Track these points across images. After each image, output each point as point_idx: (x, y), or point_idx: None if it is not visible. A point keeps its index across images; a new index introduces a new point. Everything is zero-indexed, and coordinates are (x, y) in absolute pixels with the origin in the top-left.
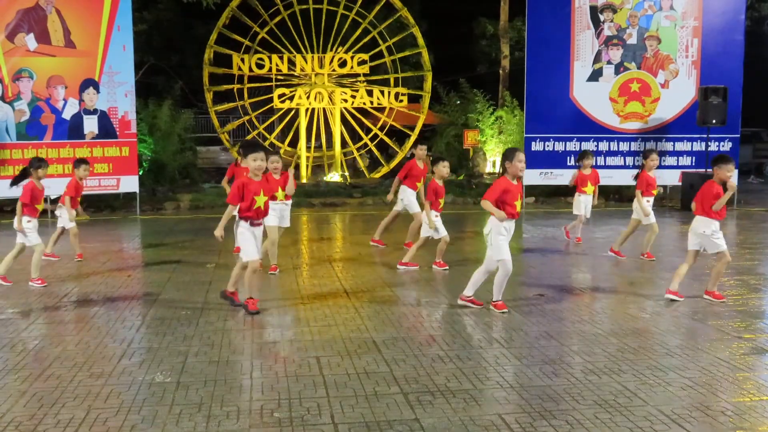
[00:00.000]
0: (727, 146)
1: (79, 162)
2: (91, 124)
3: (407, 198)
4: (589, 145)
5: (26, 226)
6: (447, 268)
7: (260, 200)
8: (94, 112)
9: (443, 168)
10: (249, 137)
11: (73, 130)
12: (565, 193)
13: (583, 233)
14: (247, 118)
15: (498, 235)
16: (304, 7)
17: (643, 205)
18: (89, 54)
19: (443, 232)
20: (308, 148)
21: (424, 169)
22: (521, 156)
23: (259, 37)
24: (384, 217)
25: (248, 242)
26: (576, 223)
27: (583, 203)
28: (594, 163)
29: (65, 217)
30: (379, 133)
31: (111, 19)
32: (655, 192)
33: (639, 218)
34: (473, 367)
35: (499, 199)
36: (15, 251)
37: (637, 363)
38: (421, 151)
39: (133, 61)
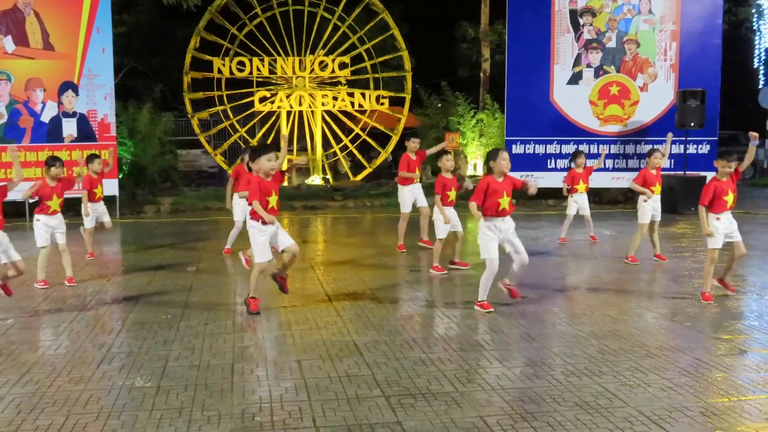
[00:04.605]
0: (705, 149)
1: (92, 157)
2: (70, 127)
3: (400, 195)
4: (570, 148)
5: (35, 223)
6: (445, 272)
7: (273, 200)
8: (73, 115)
9: (447, 161)
10: (230, 140)
11: (51, 133)
12: (546, 195)
13: (566, 235)
14: (228, 123)
15: (483, 234)
16: (284, 9)
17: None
18: (68, 56)
19: (450, 229)
20: (289, 151)
21: (417, 159)
22: (505, 154)
23: (238, 39)
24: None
25: (259, 244)
26: (565, 223)
27: (576, 203)
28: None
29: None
30: (361, 133)
31: (90, 22)
32: (654, 190)
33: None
34: (454, 370)
35: (485, 198)
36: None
37: (618, 364)
38: (414, 144)
39: (113, 64)
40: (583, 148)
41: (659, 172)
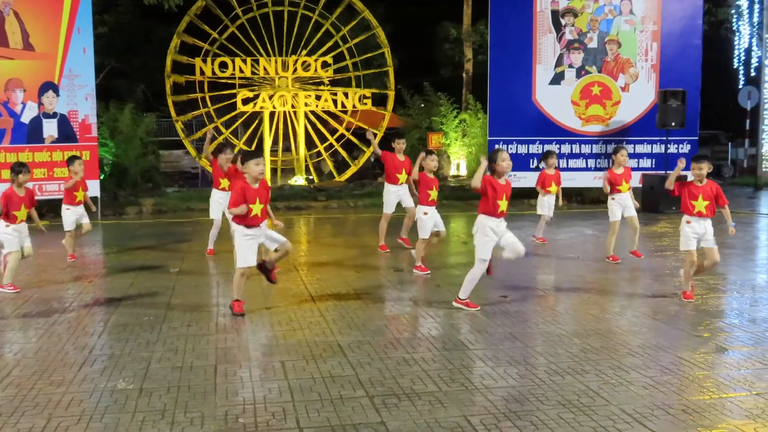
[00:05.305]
0: (686, 148)
1: (73, 158)
2: (50, 128)
3: (385, 195)
4: (552, 148)
5: (4, 230)
6: (428, 272)
7: (256, 208)
8: (54, 115)
9: (431, 161)
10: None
11: (32, 134)
12: (529, 195)
13: (546, 234)
14: (212, 125)
15: (483, 235)
16: (263, 11)
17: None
18: (48, 57)
19: (433, 229)
20: (272, 152)
21: (405, 161)
22: (505, 155)
23: (218, 42)
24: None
25: (244, 247)
26: (541, 223)
27: (547, 203)
28: (557, 165)
29: (69, 219)
30: (344, 135)
31: (71, 22)
32: (621, 189)
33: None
34: (438, 370)
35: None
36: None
37: (600, 363)
38: (400, 144)
39: (94, 64)
40: (566, 147)
41: (628, 171)
